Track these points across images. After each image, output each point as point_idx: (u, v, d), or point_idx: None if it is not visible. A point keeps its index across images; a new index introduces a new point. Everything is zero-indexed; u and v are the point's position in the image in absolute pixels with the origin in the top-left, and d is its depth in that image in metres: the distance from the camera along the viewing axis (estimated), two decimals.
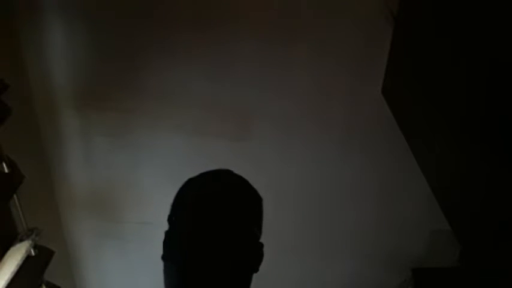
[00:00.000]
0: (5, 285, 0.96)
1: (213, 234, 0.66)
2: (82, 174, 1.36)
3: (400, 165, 1.27)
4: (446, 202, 0.77)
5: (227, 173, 0.73)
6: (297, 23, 1.13)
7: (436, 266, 1.43)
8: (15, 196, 1.02)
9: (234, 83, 1.21)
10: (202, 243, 0.66)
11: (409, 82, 1.00)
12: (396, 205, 1.40)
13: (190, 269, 0.66)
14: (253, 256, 0.70)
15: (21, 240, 1.06)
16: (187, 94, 1.23)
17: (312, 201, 1.40)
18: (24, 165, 1.03)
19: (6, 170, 0.98)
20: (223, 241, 0.66)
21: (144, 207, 1.40)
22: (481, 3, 0.68)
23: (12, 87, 0.97)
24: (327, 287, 1.61)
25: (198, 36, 1.14)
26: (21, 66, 1.16)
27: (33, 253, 1.07)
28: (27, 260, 1.04)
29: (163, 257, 0.69)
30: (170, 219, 0.70)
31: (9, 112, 0.96)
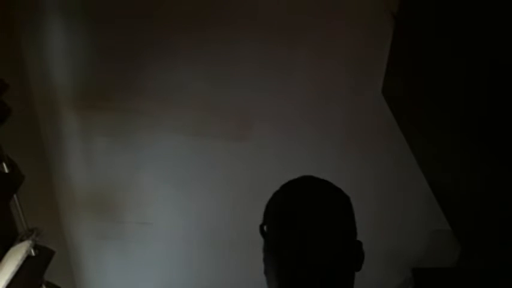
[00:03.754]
0: (5, 285, 0.96)
1: (318, 251, 0.65)
2: (82, 174, 1.36)
3: (400, 165, 1.27)
4: (446, 202, 0.77)
5: (312, 181, 0.73)
6: (297, 23, 1.13)
7: (436, 266, 1.43)
8: (15, 196, 1.02)
9: (234, 83, 1.21)
10: (309, 261, 0.65)
11: (409, 82, 1.00)
12: (396, 205, 1.40)
13: (300, 281, 0.65)
14: (357, 258, 0.70)
15: (21, 240, 1.06)
16: (188, 95, 1.23)
17: None
18: (24, 165, 1.03)
19: (6, 170, 0.98)
20: (329, 253, 0.66)
21: (144, 207, 1.40)
22: (481, 4, 0.68)
23: (12, 87, 0.97)
24: None
25: (199, 37, 1.14)
26: (21, 66, 1.16)
27: (33, 253, 1.07)
28: (27, 260, 1.04)
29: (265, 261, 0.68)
30: (263, 231, 0.69)
31: (9, 112, 0.96)
